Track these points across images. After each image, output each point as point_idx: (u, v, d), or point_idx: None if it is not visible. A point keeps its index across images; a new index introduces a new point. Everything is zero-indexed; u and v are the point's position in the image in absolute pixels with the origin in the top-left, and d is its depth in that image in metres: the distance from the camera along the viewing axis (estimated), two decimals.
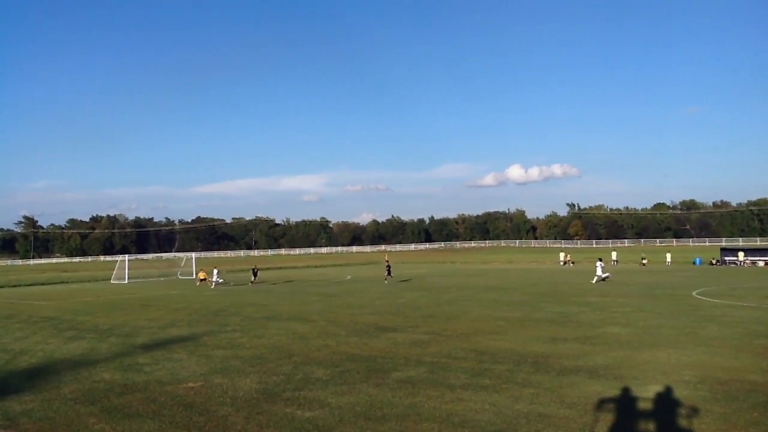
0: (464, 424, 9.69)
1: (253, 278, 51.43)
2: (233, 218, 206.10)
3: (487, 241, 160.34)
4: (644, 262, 71.92)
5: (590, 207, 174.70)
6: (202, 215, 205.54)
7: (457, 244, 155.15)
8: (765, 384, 11.84)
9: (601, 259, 43.32)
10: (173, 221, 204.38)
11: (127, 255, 61.03)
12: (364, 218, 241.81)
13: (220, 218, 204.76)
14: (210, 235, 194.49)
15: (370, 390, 12.00)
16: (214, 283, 46.05)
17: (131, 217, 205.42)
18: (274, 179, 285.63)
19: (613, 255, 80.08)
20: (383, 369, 13.99)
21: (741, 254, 66.90)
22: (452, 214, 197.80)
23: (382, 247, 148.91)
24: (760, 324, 19.96)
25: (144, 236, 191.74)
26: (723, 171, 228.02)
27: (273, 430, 9.57)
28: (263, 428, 9.68)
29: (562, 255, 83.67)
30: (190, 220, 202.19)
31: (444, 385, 12.30)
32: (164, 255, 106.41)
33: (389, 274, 46.93)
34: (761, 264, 61.60)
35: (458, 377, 12.97)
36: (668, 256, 74.74)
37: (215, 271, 47.74)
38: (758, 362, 13.89)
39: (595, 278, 40.39)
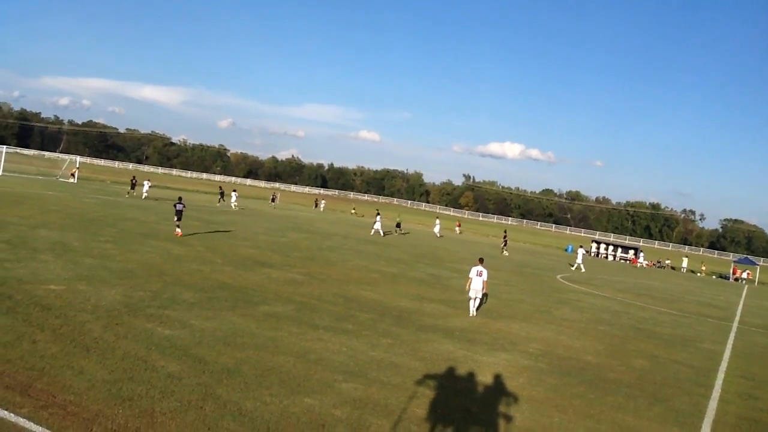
0: (319, 361, 10.14)
1: (397, 229, 51.87)
2: (127, 129, 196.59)
3: (381, 197, 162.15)
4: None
5: (484, 181, 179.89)
6: (95, 120, 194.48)
7: (351, 195, 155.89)
8: (596, 364, 13.08)
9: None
10: (62, 120, 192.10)
11: (5, 146, 56.75)
12: (264, 153, 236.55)
13: (114, 126, 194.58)
14: (99, 142, 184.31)
15: (234, 319, 12.23)
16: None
17: (16, 108, 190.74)
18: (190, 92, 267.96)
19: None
20: (252, 301, 14.24)
21: (611, 248, 71.52)
22: (352, 165, 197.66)
23: (276, 185, 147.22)
24: (607, 312, 21.72)
25: (27, 131, 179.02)
26: (604, 171, 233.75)
27: (129, 342, 9.63)
28: (119, 339, 9.72)
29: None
30: (80, 123, 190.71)
31: (308, 324, 12.71)
32: (46, 154, 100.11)
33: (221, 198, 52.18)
34: (627, 260, 66.15)
35: (323, 319, 13.43)
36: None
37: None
38: (596, 345, 15.24)
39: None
